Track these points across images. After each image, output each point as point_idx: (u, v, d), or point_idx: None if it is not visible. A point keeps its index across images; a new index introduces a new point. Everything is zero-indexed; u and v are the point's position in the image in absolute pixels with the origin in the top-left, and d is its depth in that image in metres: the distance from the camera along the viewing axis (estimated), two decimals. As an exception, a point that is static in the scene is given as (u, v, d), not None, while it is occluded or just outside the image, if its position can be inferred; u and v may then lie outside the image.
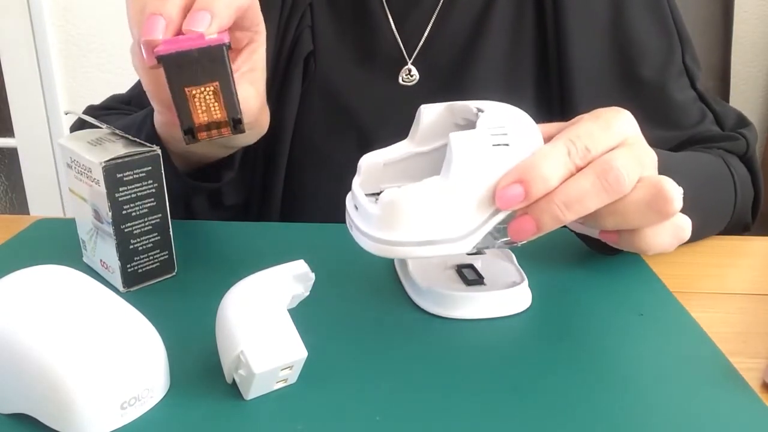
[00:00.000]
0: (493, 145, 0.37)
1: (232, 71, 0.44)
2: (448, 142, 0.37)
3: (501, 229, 0.39)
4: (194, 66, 0.43)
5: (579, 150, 0.38)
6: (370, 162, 0.45)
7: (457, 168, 0.37)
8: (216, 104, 0.44)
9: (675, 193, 0.38)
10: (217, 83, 0.44)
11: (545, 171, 0.37)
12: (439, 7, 0.68)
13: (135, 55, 0.47)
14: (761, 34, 1.53)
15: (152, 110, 0.55)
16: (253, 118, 0.51)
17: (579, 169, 0.38)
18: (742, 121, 0.69)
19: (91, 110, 0.73)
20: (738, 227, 0.63)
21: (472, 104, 0.41)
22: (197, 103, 0.44)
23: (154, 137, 0.55)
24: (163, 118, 0.53)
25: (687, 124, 0.67)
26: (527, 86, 0.67)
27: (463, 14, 0.68)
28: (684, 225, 0.40)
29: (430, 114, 0.45)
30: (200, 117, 0.44)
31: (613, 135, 0.39)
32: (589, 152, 0.38)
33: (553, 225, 0.38)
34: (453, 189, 0.37)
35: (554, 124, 0.43)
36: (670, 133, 0.66)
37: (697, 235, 0.57)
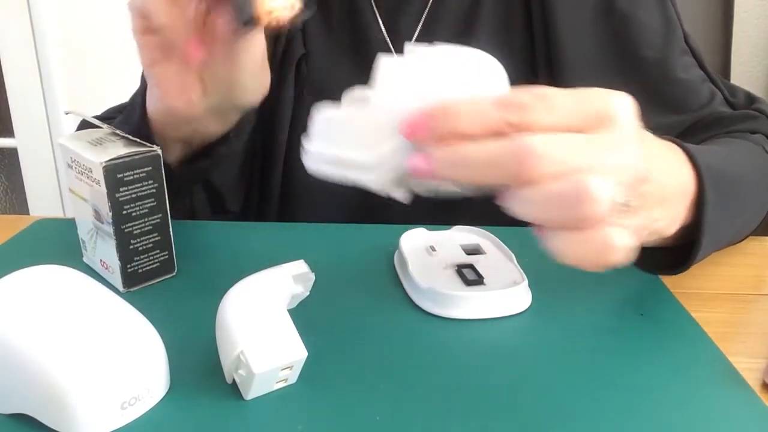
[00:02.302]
0: (416, 75, 0.35)
1: None
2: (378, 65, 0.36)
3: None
4: None
5: (519, 105, 0.32)
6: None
7: (376, 92, 0.35)
8: None
9: (598, 195, 0.30)
10: None
11: (462, 113, 0.32)
12: (427, 9, 0.68)
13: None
14: (761, 34, 1.53)
15: (136, 108, 0.55)
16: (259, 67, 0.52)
17: (510, 129, 0.32)
18: (751, 98, 0.67)
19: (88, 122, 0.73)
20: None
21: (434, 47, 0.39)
22: None
23: (144, 128, 0.55)
24: (169, 91, 0.51)
25: (695, 106, 0.65)
26: (520, 77, 0.67)
27: (451, 16, 0.68)
28: (617, 244, 0.32)
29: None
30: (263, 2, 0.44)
31: (580, 112, 0.33)
32: (532, 113, 0.31)
33: (446, 175, 0.33)
34: (367, 111, 0.35)
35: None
36: (678, 117, 0.64)
37: (740, 237, 0.55)
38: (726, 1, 1.20)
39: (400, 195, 0.39)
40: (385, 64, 0.35)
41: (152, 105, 0.54)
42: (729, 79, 1.25)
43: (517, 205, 0.32)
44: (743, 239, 0.57)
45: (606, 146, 0.32)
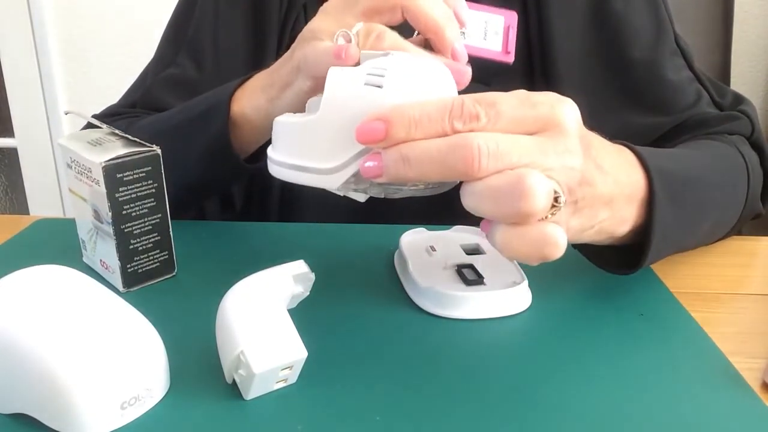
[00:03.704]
0: (365, 84, 0.36)
1: None
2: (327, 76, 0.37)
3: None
4: None
5: (467, 114, 0.34)
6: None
7: (326, 101, 0.37)
8: None
9: (536, 190, 0.32)
10: None
11: (411, 118, 0.34)
12: None
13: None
14: (761, 34, 1.53)
15: (218, 101, 0.54)
16: None
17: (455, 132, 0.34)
18: (739, 99, 0.67)
19: (97, 119, 0.73)
20: (748, 218, 0.60)
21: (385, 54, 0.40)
22: None
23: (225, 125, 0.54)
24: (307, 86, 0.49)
25: (681, 107, 0.65)
26: (515, 82, 0.67)
27: None
28: (553, 241, 0.34)
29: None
30: None
31: (526, 118, 0.35)
32: (477, 121, 0.34)
33: (395, 175, 0.34)
34: (319, 120, 0.37)
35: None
36: (664, 118, 0.65)
37: (710, 238, 0.55)
38: (726, 1, 1.21)
39: (359, 196, 0.41)
40: (333, 74, 0.37)
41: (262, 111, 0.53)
42: (729, 79, 1.25)
43: (464, 198, 0.35)
44: (721, 238, 0.57)
45: (548, 148, 0.35)
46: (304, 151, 0.38)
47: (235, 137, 0.55)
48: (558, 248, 0.34)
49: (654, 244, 0.43)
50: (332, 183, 0.37)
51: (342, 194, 0.39)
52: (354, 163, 0.36)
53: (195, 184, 0.59)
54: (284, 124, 0.39)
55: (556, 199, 0.34)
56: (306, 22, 0.69)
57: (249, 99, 0.54)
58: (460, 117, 0.34)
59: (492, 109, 0.34)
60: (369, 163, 0.35)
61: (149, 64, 0.74)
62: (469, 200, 0.35)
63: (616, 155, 0.42)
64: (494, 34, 0.52)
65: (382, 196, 0.41)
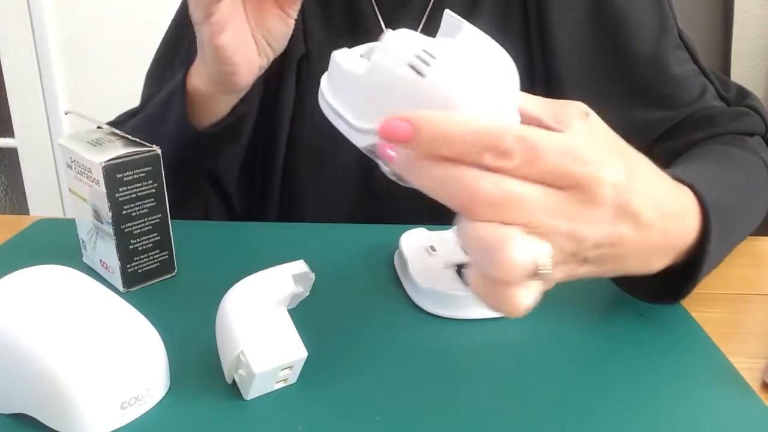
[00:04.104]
0: (409, 65, 0.33)
1: None
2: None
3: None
4: None
5: (502, 149, 0.30)
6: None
7: (372, 67, 0.34)
8: None
9: (513, 261, 0.30)
10: None
11: (444, 135, 0.31)
12: (429, 8, 0.68)
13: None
14: (761, 34, 1.53)
15: (175, 94, 0.58)
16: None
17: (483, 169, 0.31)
18: (744, 93, 0.66)
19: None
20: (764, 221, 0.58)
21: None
22: None
23: (181, 93, 0.58)
24: (224, 68, 0.54)
25: (686, 101, 0.64)
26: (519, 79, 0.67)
27: None
28: (514, 305, 0.31)
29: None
30: None
31: (561, 175, 0.31)
32: (509, 160, 0.31)
33: (404, 175, 0.33)
34: (361, 80, 0.35)
35: (539, 99, 0.37)
36: (669, 112, 0.64)
37: (730, 248, 0.53)
38: (726, 1, 1.20)
39: (383, 166, 0.38)
40: (389, 39, 0.34)
41: (204, 82, 0.57)
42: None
43: (456, 224, 0.32)
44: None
45: (565, 211, 0.32)
46: (346, 99, 0.36)
47: (198, 111, 0.59)
48: (516, 313, 0.32)
49: (698, 281, 0.41)
50: (358, 141, 0.35)
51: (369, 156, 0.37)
52: (377, 136, 0.33)
53: (176, 165, 0.59)
54: (338, 66, 0.37)
55: (535, 270, 0.31)
56: (304, 25, 0.69)
57: (195, 68, 0.58)
58: (493, 151, 0.30)
59: (530, 153, 0.31)
60: (383, 148, 0.33)
61: (146, 76, 0.74)
62: (457, 230, 0.32)
63: (673, 203, 0.39)
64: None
65: (394, 178, 0.38)
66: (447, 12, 0.37)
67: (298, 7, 0.54)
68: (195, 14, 0.51)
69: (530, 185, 0.31)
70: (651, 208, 0.35)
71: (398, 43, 0.34)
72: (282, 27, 0.55)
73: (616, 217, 0.33)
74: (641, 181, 0.35)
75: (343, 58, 0.37)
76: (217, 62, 0.53)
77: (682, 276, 0.41)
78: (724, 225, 0.42)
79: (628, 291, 0.46)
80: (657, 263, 0.39)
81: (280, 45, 0.56)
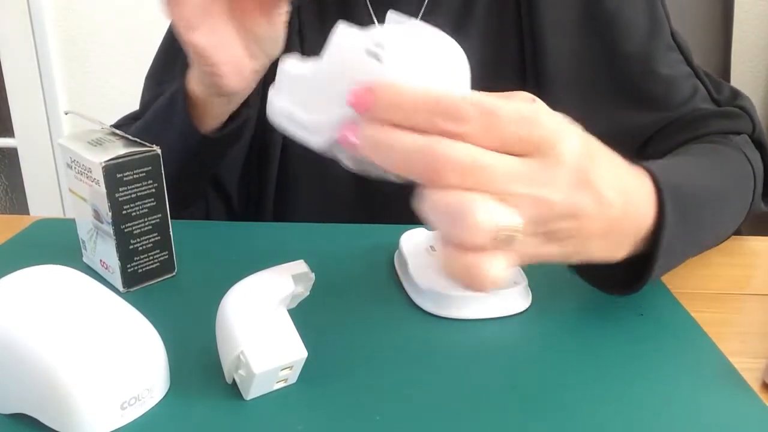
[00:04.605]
0: (366, 52, 0.34)
1: None
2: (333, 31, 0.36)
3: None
4: None
5: (457, 114, 0.31)
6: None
7: (326, 60, 0.35)
8: None
9: (480, 223, 0.29)
10: None
11: (398, 100, 0.31)
12: (422, 10, 0.68)
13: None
14: (761, 34, 1.53)
15: (176, 98, 0.58)
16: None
17: (442, 135, 0.31)
18: (735, 94, 0.66)
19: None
20: (749, 217, 0.58)
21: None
22: None
23: (183, 98, 0.58)
24: (210, 71, 0.53)
25: (676, 102, 0.64)
26: (509, 82, 0.67)
27: (445, 16, 0.68)
28: (484, 274, 0.31)
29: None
30: None
31: (521, 137, 0.31)
32: (466, 125, 0.31)
33: (368, 155, 0.32)
34: (316, 77, 0.36)
35: (485, 93, 0.35)
36: (658, 114, 0.64)
37: (713, 246, 0.54)
38: (726, 1, 1.20)
39: (345, 161, 0.38)
40: (340, 33, 0.35)
41: (195, 84, 0.57)
42: (729, 80, 1.25)
43: (418, 200, 0.32)
44: (717, 245, 0.57)
45: (527, 175, 0.32)
46: (300, 102, 0.36)
47: (199, 114, 0.58)
48: (485, 285, 0.31)
49: (656, 269, 0.41)
50: (315, 141, 0.36)
51: (327, 156, 0.37)
52: (336, 128, 0.34)
53: (176, 172, 0.59)
54: (286, 73, 0.38)
55: (502, 234, 0.31)
56: (299, 27, 0.69)
57: (189, 71, 0.57)
58: (448, 115, 0.31)
59: (488, 118, 0.31)
60: (347, 133, 0.33)
61: (146, 76, 0.74)
62: (420, 205, 0.32)
63: (630, 183, 0.39)
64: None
65: (358, 171, 0.38)
66: (390, 12, 0.37)
67: (282, 11, 0.53)
68: (164, 12, 0.50)
69: (492, 153, 0.31)
70: (608, 183, 0.35)
71: (352, 33, 0.35)
72: (268, 31, 0.53)
73: (576, 184, 0.33)
74: (598, 156, 0.35)
75: (291, 64, 0.38)
76: (195, 62, 0.53)
77: (644, 266, 0.41)
78: (686, 210, 0.42)
79: (590, 282, 0.46)
80: (619, 250, 0.39)
81: (273, 49, 0.55)
